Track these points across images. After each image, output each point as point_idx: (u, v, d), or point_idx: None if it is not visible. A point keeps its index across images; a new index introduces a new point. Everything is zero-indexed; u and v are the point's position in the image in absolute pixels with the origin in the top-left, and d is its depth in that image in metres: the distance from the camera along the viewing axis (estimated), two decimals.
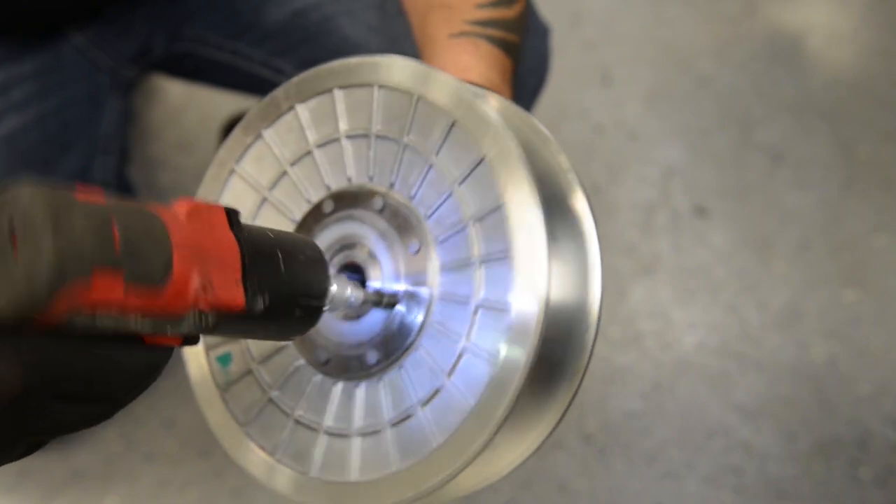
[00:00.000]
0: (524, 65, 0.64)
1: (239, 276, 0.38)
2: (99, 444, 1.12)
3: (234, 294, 0.38)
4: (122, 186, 1.05)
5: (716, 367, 1.22)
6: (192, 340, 0.38)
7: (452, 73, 0.59)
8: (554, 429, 0.51)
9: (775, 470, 1.13)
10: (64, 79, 0.95)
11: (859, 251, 1.34)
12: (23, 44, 0.92)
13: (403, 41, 0.85)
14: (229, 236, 0.39)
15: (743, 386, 1.20)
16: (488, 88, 0.58)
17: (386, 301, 0.47)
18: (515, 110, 0.53)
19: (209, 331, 0.38)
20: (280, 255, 0.41)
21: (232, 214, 0.40)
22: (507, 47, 0.62)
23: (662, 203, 1.39)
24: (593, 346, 0.49)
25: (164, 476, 1.10)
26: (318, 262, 0.43)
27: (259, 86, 0.99)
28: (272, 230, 0.42)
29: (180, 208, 0.38)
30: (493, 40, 0.62)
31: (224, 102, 1.29)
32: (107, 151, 1.00)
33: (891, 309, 1.28)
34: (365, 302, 0.48)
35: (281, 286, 0.40)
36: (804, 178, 1.43)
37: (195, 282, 0.36)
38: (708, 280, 1.31)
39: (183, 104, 1.46)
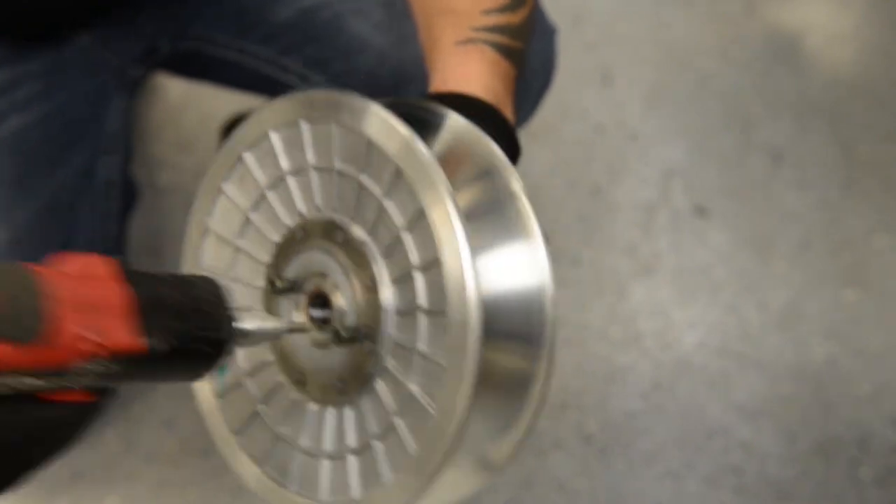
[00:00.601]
0: (530, 66, 0.64)
1: (136, 321, 0.39)
2: (99, 444, 1.12)
3: (133, 339, 0.39)
4: (126, 185, 1.05)
5: (716, 367, 1.22)
6: (108, 391, 0.39)
7: (457, 82, 0.59)
8: (524, 437, 0.51)
9: (775, 470, 1.13)
10: (68, 78, 0.95)
11: (859, 251, 1.34)
12: (27, 43, 0.92)
13: (411, 40, 0.85)
14: (120, 286, 0.40)
15: (743, 386, 1.20)
16: (489, 101, 0.58)
17: (345, 336, 0.49)
18: (473, 136, 0.54)
19: (118, 378, 0.39)
20: (177, 296, 0.42)
21: (123, 265, 0.41)
22: (511, 54, 0.62)
23: (662, 203, 1.39)
24: (552, 343, 0.51)
25: (164, 476, 1.10)
26: (217, 299, 0.45)
27: (266, 84, 0.99)
28: (168, 274, 0.44)
29: (69, 265, 0.39)
30: (498, 47, 0.61)
31: (224, 102, 1.29)
32: (111, 150, 1.00)
33: (891, 309, 1.28)
34: (324, 335, 0.50)
35: (181, 326, 0.42)
36: (804, 178, 1.43)
37: (81, 333, 0.37)
38: (708, 280, 1.31)
39: (183, 103, 1.46)
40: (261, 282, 0.54)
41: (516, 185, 0.52)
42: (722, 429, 1.16)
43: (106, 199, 1.00)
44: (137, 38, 0.97)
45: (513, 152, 0.59)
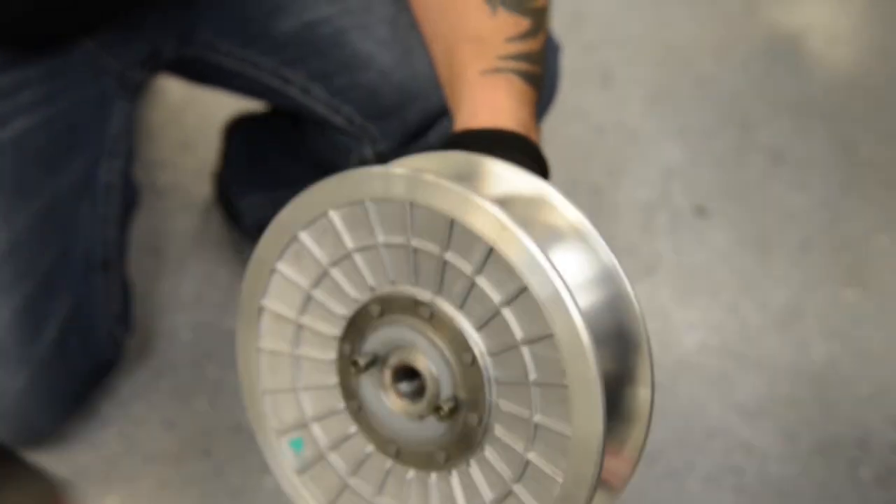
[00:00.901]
0: None
1: None
2: (99, 444, 1.12)
3: None
4: (128, 188, 1.05)
5: (716, 367, 1.22)
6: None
7: (486, 114, 0.59)
8: (640, 454, 0.55)
9: (775, 470, 1.13)
10: (72, 82, 0.95)
11: (859, 251, 1.34)
12: (32, 50, 0.92)
13: (416, 56, 0.84)
14: None
15: (743, 386, 1.20)
16: (521, 133, 0.58)
17: (445, 410, 0.48)
18: (534, 185, 0.55)
19: None
20: None
21: None
22: (534, 80, 0.62)
23: (662, 203, 1.39)
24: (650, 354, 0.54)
25: (164, 476, 1.10)
26: None
27: (267, 95, 0.98)
28: None
29: None
30: (522, 75, 0.62)
31: (225, 103, 1.29)
32: (113, 154, 1.00)
33: (891, 309, 1.28)
34: (418, 407, 0.50)
35: None
36: (804, 178, 1.43)
37: None
38: (708, 280, 1.31)
39: (184, 104, 1.46)
40: (332, 355, 0.53)
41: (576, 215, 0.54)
42: (722, 429, 1.16)
43: (106, 202, 1.01)
44: (140, 42, 0.97)
45: (545, 177, 0.60)
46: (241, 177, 1.24)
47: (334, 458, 0.55)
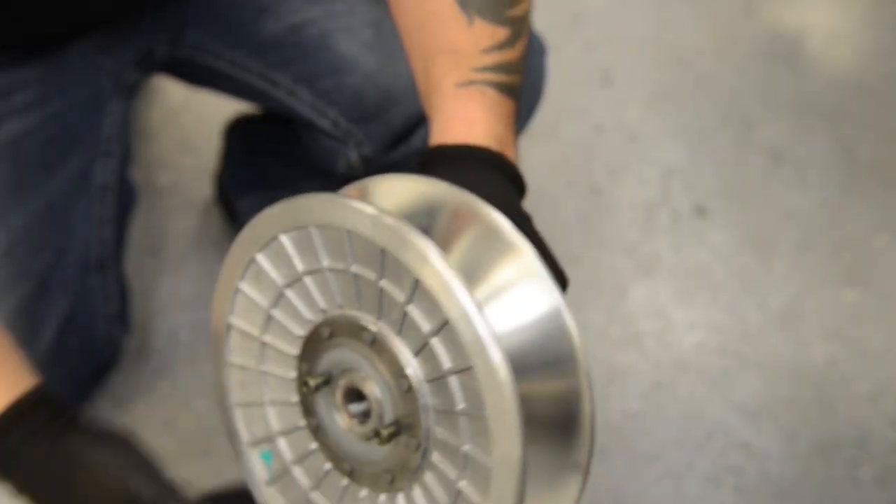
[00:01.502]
0: None
1: None
2: None
3: None
4: (124, 189, 1.05)
5: (716, 367, 1.22)
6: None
7: (460, 128, 0.58)
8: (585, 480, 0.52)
9: (775, 470, 1.13)
10: (66, 83, 0.95)
11: (859, 251, 1.34)
12: (26, 51, 0.92)
13: (399, 61, 0.84)
14: None
15: (743, 386, 1.20)
16: (494, 149, 0.58)
17: (384, 435, 0.49)
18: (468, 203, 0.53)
19: None
20: None
21: None
22: (511, 91, 0.62)
23: (662, 203, 1.39)
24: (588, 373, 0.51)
25: None
26: None
27: (255, 96, 0.99)
28: None
29: None
30: (498, 86, 0.61)
31: (224, 104, 1.29)
32: (109, 154, 1.00)
33: (891, 309, 1.28)
34: (366, 429, 0.50)
35: None
36: (804, 178, 1.43)
37: None
38: (708, 280, 1.31)
39: (183, 104, 1.46)
40: (292, 373, 0.54)
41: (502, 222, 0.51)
42: (722, 429, 1.16)
43: (102, 203, 1.01)
44: (134, 43, 0.97)
45: (521, 192, 0.59)
46: (241, 177, 1.24)
47: (298, 473, 0.56)
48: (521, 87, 0.63)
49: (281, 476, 0.57)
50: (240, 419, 0.58)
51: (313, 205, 0.50)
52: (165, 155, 1.41)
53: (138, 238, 1.29)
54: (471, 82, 0.60)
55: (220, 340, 0.57)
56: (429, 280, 0.45)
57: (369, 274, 0.48)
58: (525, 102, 0.80)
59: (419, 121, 0.87)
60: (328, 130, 0.92)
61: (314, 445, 0.54)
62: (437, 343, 0.47)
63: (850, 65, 1.62)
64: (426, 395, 0.48)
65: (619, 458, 1.14)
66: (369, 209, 0.47)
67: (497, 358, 0.44)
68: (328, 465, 0.54)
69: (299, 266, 0.52)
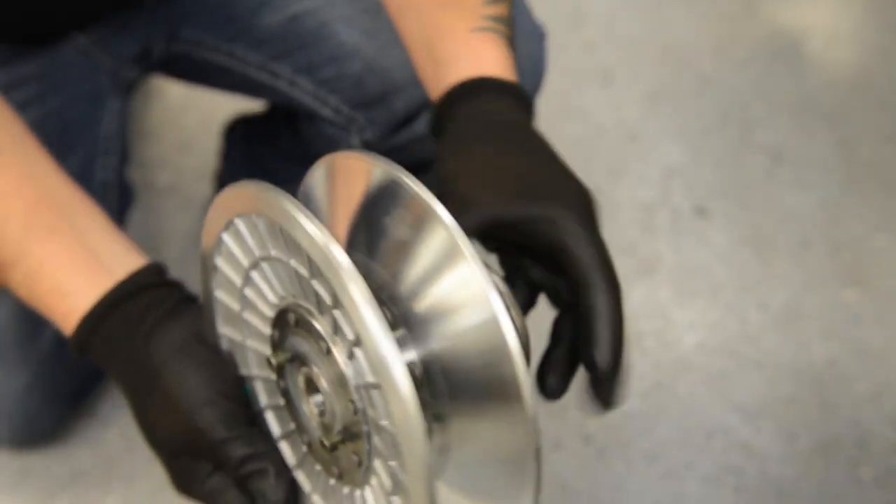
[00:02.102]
0: (520, 68, 0.65)
1: None
2: (99, 444, 1.12)
3: None
4: (122, 187, 1.05)
5: (716, 367, 1.22)
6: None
7: (489, 65, 0.60)
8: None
9: (775, 470, 1.13)
10: (65, 80, 0.95)
11: (859, 251, 1.34)
12: (25, 46, 0.92)
13: (398, 45, 0.84)
14: None
15: (743, 386, 1.20)
16: (513, 81, 0.60)
17: (328, 444, 0.49)
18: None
19: None
20: None
21: None
22: (511, 43, 0.65)
23: (662, 203, 1.39)
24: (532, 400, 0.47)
25: (164, 476, 1.10)
26: None
27: (255, 89, 0.99)
28: None
29: None
30: (504, 35, 0.63)
31: (224, 103, 1.29)
32: (108, 152, 1.00)
33: (891, 309, 1.28)
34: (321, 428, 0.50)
35: None
36: (804, 178, 1.43)
37: None
38: (708, 280, 1.31)
39: (183, 104, 1.46)
40: (269, 351, 0.53)
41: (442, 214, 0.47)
42: (722, 429, 1.16)
43: (102, 201, 1.01)
44: (132, 40, 0.97)
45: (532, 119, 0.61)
46: (241, 177, 1.23)
47: (285, 449, 0.55)
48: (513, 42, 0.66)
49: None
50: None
51: (252, 194, 0.49)
52: (165, 155, 1.41)
53: (138, 238, 1.28)
54: (484, 29, 0.62)
55: (210, 310, 0.57)
56: (342, 296, 0.44)
57: (303, 271, 0.47)
58: (527, 88, 0.81)
59: (421, 106, 0.88)
60: (330, 118, 0.92)
61: (293, 426, 0.54)
62: (359, 353, 0.45)
63: (850, 65, 1.62)
64: (364, 403, 0.46)
65: (619, 458, 1.14)
66: (295, 213, 0.45)
67: (398, 377, 0.42)
68: (305, 448, 0.53)
69: (255, 251, 0.51)
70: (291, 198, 0.46)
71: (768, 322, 1.26)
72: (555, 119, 1.49)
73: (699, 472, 1.13)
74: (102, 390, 1.15)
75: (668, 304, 1.28)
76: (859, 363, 1.23)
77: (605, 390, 0.50)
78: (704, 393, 1.20)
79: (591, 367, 0.49)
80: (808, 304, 1.28)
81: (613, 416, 1.17)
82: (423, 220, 0.47)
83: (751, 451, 1.15)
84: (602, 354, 0.49)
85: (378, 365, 0.43)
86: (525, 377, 0.45)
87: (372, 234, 0.50)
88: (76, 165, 0.97)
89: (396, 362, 0.42)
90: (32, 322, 0.95)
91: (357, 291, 0.43)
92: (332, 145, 0.94)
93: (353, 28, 0.89)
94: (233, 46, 0.94)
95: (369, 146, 0.91)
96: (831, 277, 1.31)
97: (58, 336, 0.98)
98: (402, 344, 0.48)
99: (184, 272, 1.29)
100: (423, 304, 0.48)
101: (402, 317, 0.49)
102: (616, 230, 1.35)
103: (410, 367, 0.47)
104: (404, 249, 0.48)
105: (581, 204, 0.54)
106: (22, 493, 1.09)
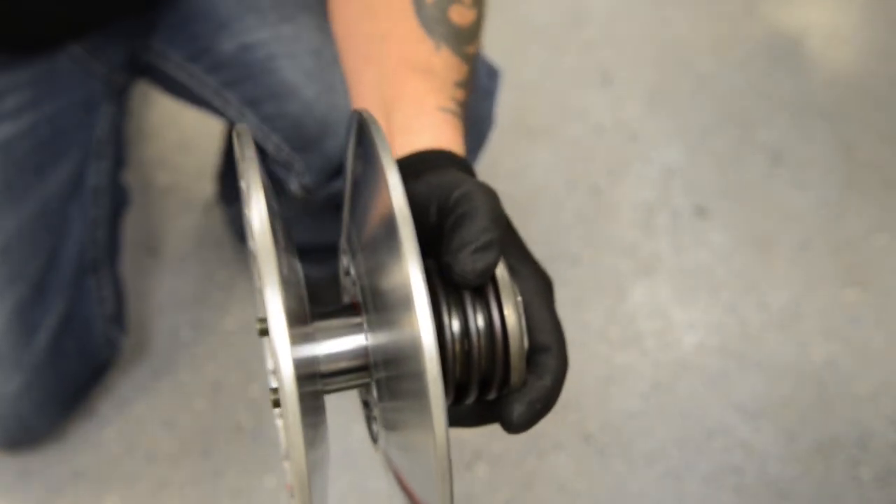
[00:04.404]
0: (466, 128, 0.64)
1: None
2: (99, 444, 1.12)
3: None
4: (117, 190, 1.06)
5: (716, 367, 1.22)
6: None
7: (450, 145, 0.59)
8: None
9: (775, 470, 1.13)
10: (58, 86, 0.95)
11: (859, 251, 1.34)
12: (18, 53, 0.92)
13: (338, 92, 0.84)
14: None
15: (743, 386, 1.20)
16: (473, 172, 0.59)
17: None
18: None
19: None
20: None
21: None
22: (465, 129, 0.64)
23: (662, 203, 1.39)
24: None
25: (164, 476, 1.10)
26: None
27: (213, 111, 0.98)
28: None
29: None
30: (462, 121, 0.62)
31: None
32: (100, 156, 1.01)
33: (891, 309, 1.29)
34: None
35: None
36: (804, 178, 1.43)
37: None
38: (708, 280, 1.31)
39: (183, 104, 1.46)
40: None
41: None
42: (722, 429, 1.16)
43: (95, 205, 1.01)
44: (121, 47, 0.98)
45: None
46: None
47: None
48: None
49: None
50: None
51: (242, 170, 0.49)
52: (165, 155, 1.41)
53: (138, 238, 1.29)
54: (448, 110, 0.61)
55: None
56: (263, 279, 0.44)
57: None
58: (470, 144, 0.80)
59: None
60: (273, 156, 0.90)
61: None
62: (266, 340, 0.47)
63: (850, 65, 1.62)
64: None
65: (619, 458, 1.14)
66: (253, 209, 0.44)
67: (288, 372, 0.41)
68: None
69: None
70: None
71: (768, 322, 1.26)
72: (555, 119, 1.49)
73: (699, 472, 1.13)
74: (102, 390, 1.15)
75: (668, 304, 1.28)
76: (859, 363, 1.23)
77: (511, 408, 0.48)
78: (704, 393, 1.20)
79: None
80: (808, 304, 1.28)
81: (613, 416, 1.18)
82: (388, 208, 0.46)
83: (751, 451, 1.15)
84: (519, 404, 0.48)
85: (274, 354, 0.43)
86: (438, 397, 0.40)
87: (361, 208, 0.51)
88: (69, 171, 0.98)
89: (286, 356, 0.41)
90: (26, 326, 0.96)
91: (268, 274, 0.42)
92: (279, 182, 0.92)
93: (298, 67, 0.86)
94: (193, 67, 0.93)
95: (308, 191, 0.89)
96: (831, 277, 1.31)
97: (51, 341, 0.98)
98: (358, 329, 0.49)
99: (183, 272, 1.29)
100: (382, 289, 0.47)
101: (370, 294, 0.49)
102: (616, 230, 1.35)
103: (355, 352, 0.48)
104: (374, 231, 0.49)
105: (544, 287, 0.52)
106: (22, 493, 1.09)
